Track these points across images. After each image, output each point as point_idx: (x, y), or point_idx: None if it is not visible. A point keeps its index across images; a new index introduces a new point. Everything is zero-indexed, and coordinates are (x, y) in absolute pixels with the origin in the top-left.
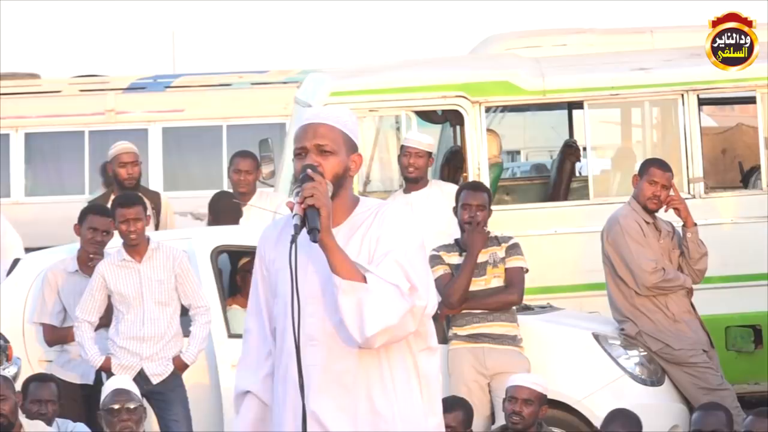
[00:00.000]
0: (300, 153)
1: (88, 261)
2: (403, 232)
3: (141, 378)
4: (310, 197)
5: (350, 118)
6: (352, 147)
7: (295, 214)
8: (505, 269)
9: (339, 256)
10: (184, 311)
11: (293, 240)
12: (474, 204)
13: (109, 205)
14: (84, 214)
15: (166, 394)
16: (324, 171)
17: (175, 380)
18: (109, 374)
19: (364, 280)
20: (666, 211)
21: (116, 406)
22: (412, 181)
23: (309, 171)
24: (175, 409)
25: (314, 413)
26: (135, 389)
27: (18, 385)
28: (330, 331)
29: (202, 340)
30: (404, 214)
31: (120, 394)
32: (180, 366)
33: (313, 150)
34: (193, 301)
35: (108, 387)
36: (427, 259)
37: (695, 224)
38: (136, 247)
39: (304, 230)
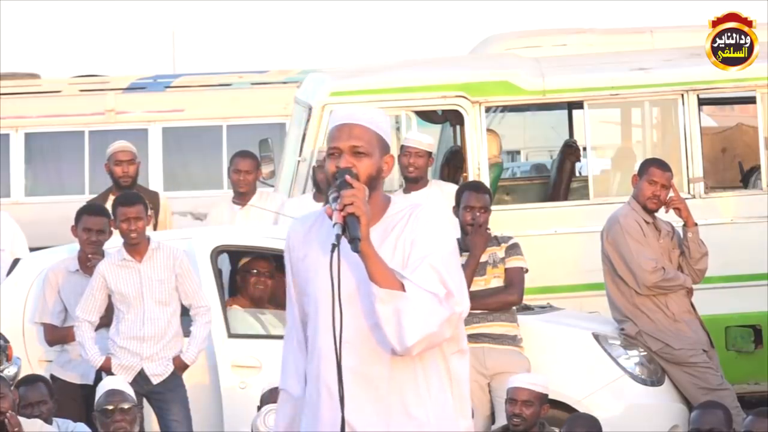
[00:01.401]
0: (333, 153)
1: (87, 261)
2: (438, 236)
3: (141, 378)
4: (350, 205)
5: (384, 119)
6: (384, 148)
7: (335, 223)
8: (505, 269)
9: (377, 264)
10: (185, 311)
11: (334, 248)
12: (477, 206)
13: (109, 204)
14: (78, 215)
15: (166, 394)
16: (358, 173)
17: (175, 380)
18: (110, 374)
19: (402, 288)
20: (666, 211)
21: (110, 407)
22: (412, 181)
23: (347, 177)
24: (175, 410)
25: (347, 417)
26: (129, 390)
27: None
28: (364, 334)
29: (203, 341)
30: (438, 216)
31: (113, 394)
32: (180, 366)
33: (347, 151)
34: (193, 301)
35: (102, 388)
36: (459, 261)
37: (696, 224)
38: (136, 246)
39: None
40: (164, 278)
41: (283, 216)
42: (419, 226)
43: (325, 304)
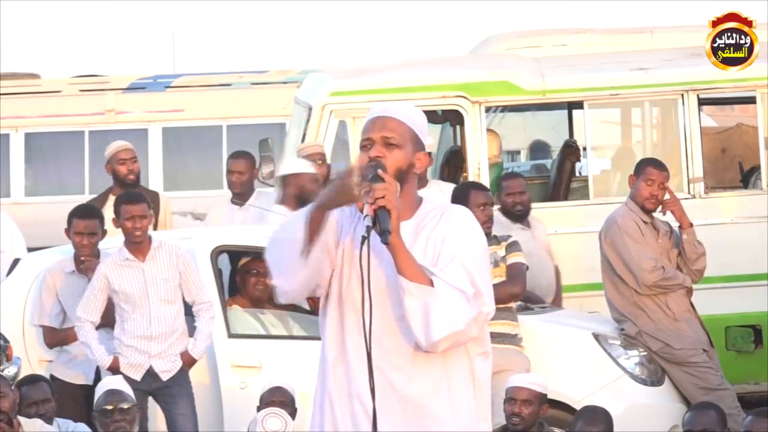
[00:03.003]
0: (366, 144)
1: (80, 264)
2: (469, 236)
3: (148, 375)
4: (381, 198)
5: (420, 117)
6: (418, 145)
7: (366, 215)
8: (507, 266)
9: (407, 258)
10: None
11: (364, 241)
12: (489, 203)
13: (109, 205)
14: (69, 219)
15: (173, 389)
16: (387, 164)
17: (182, 375)
18: (117, 374)
19: (431, 283)
20: (664, 213)
21: (109, 407)
22: None
23: (379, 171)
24: (182, 404)
25: (365, 409)
26: (128, 389)
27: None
28: (387, 327)
29: (208, 336)
30: (469, 217)
31: (112, 394)
32: (188, 362)
33: (379, 141)
34: (197, 297)
35: (101, 388)
36: (489, 264)
37: (691, 225)
38: (139, 245)
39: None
40: (168, 276)
41: (284, 216)
42: (451, 225)
43: (353, 297)
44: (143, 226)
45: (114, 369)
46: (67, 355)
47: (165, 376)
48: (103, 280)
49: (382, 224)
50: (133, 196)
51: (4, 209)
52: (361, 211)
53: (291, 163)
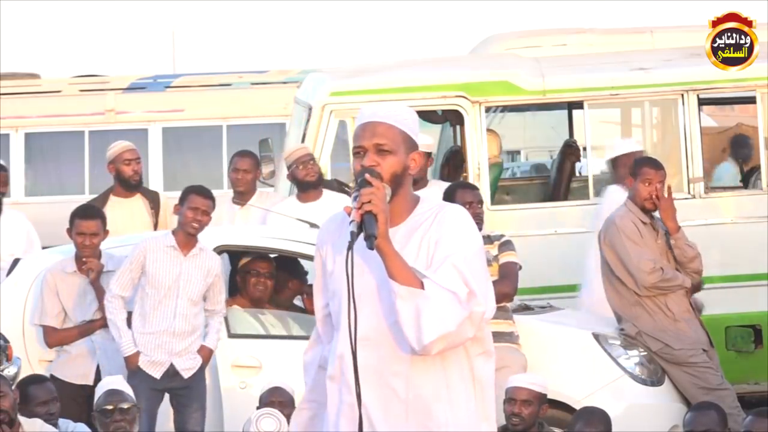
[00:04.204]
0: (358, 152)
1: (82, 265)
2: (463, 236)
3: (167, 375)
4: (367, 203)
5: (410, 116)
6: (411, 145)
7: (352, 221)
8: (499, 265)
9: (396, 262)
10: None
11: (350, 246)
12: (475, 201)
13: (109, 206)
14: (71, 219)
15: (192, 388)
16: (382, 171)
17: (200, 374)
18: (132, 370)
19: (422, 286)
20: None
21: (109, 407)
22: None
23: (367, 176)
24: (197, 404)
25: (367, 415)
26: (128, 389)
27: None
28: (383, 332)
29: (218, 331)
30: (463, 217)
31: (112, 394)
32: (207, 355)
33: (371, 149)
34: (216, 306)
35: (101, 388)
36: (485, 263)
37: (679, 228)
38: (188, 238)
39: (361, 236)
40: (201, 279)
41: (284, 217)
42: (444, 226)
43: (345, 301)
44: (203, 221)
45: (132, 363)
46: (67, 355)
47: (187, 374)
48: (141, 255)
49: (368, 229)
50: (203, 190)
51: (7, 209)
52: (350, 215)
53: (621, 143)
